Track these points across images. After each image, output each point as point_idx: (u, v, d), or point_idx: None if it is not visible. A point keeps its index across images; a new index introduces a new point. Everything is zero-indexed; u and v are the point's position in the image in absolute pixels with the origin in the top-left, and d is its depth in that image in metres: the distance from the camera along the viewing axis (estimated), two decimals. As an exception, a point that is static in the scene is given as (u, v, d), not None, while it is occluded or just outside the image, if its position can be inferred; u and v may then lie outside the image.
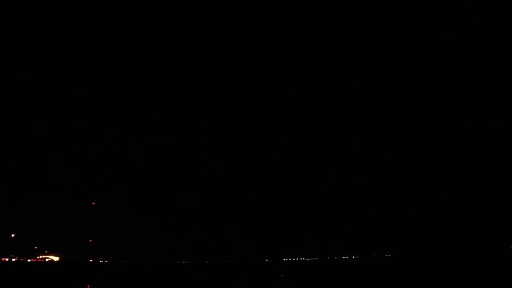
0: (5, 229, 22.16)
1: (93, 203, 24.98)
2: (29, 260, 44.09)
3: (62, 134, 22.51)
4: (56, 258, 44.76)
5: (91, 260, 41.78)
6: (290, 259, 44.32)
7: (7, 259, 41.51)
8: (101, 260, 42.35)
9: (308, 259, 45.30)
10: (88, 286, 33.39)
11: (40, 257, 43.88)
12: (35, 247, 32.23)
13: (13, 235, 24.42)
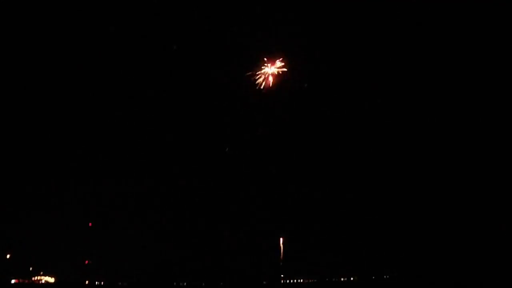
0: (1, 250, 22.02)
1: (89, 224, 24.80)
2: (24, 282, 43.59)
3: (55, 153, 22.37)
4: (51, 280, 44.26)
5: (87, 282, 41.32)
6: (288, 281, 43.93)
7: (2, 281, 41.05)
8: (97, 282, 41.90)
9: (307, 281, 44.86)
10: (83, 307, 32.80)
11: (36, 278, 43.39)
12: (30, 268, 31.93)
13: (8, 256, 24.21)
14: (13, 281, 42.17)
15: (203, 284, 43.69)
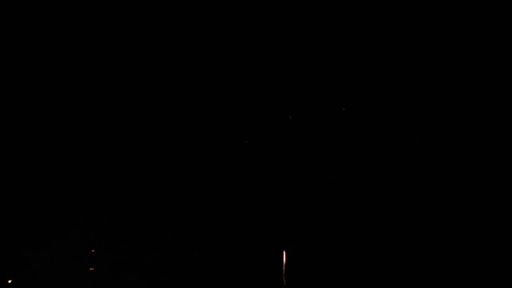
0: (1, 276, 21.44)
1: (92, 250, 24.37)
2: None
3: (58, 178, 21.89)
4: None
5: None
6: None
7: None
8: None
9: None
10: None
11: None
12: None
13: (9, 281, 23.78)
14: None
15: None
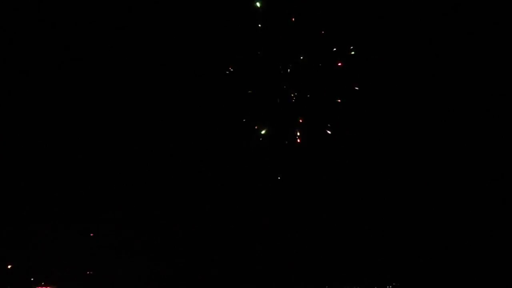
0: (2, 260, 21.83)
1: (91, 234, 24.68)
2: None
3: (59, 162, 22.27)
4: (53, 290, 43.58)
5: (88, 292, 40.66)
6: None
7: (3, 291, 40.39)
8: (99, 292, 41.18)
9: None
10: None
11: (37, 288, 42.80)
12: (32, 279, 32.15)
13: (9, 266, 24.02)
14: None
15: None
